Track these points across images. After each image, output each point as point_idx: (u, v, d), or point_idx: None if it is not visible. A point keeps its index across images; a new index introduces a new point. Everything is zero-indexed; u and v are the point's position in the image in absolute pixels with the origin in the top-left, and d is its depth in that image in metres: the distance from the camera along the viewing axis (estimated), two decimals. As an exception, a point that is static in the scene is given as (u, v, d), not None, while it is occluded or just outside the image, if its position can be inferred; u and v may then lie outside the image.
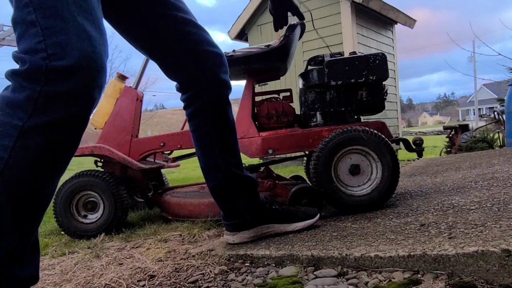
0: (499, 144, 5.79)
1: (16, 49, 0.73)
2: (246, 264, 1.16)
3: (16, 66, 0.72)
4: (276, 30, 1.55)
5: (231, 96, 1.27)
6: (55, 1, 0.70)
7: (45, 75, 0.68)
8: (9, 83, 0.73)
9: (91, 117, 1.18)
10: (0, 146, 0.69)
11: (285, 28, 1.67)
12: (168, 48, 1.12)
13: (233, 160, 1.26)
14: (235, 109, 1.66)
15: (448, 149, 6.48)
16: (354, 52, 1.78)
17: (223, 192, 1.28)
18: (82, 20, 0.72)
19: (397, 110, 6.61)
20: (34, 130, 0.69)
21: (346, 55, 1.74)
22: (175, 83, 1.20)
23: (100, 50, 0.74)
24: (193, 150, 2.22)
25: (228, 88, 1.22)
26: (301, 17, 1.56)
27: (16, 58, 0.71)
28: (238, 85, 1.96)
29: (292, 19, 1.64)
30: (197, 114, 1.20)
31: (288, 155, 2.05)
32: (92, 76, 0.72)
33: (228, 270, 1.13)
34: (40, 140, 0.70)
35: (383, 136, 1.52)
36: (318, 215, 1.39)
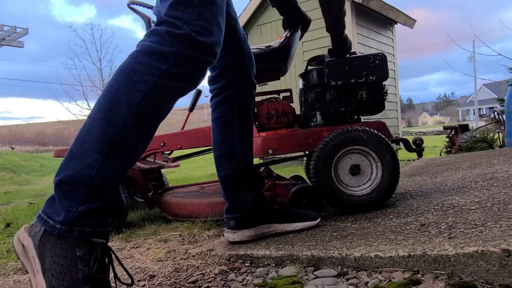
0: (499, 144, 5.80)
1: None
2: (246, 264, 1.16)
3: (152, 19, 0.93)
4: (285, 29, 1.67)
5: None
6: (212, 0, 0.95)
7: (191, 43, 0.89)
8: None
9: None
10: (143, 80, 0.85)
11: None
12: (224, 39, 1.24)
13: (249, 153, 1.34)
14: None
15: (448, 149, 6.49)
16: (354, 52, 1.78)
17: (234, 182, 1.31)
18: (220, 18, 0.98)
19: (397, 110, 6.61)
20: (171, 76, 0.88)
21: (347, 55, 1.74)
22: (210, 74, 1.32)
23: (221, 39, 0.99)
24: (193, 150, 2.22)
25: (255, 89, 1.38)
26: (305, 28, 1.70)
27: (164, 20, 0.90)
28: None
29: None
30: (224, 102, 1.30)
31: (288, 155, 2.05)
32: (214, 55, 0.95)
33: (228, 270, 1.13)
34: (171, 84, 0.89)
35: (383, 136, 1.52)
36: (319, 218, 1.39)
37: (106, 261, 0.84)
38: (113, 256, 0.86)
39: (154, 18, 0.99)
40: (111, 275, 0.87)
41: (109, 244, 1.60)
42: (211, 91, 1.34)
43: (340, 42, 1.68)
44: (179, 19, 0.89)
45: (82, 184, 0.81)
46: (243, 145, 1.31)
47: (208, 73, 1.32)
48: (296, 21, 1.74)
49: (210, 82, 1.33)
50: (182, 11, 0.90)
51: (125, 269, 0.89)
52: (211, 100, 1.34)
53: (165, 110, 0.91)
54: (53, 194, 0.84)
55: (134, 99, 0.85)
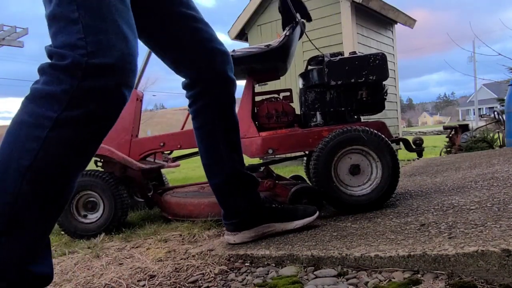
0: (499, 144, 5.80)
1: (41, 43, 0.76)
2: (246, 264, 1.16)
3: (46, 60, 0.75)
4: (284, 28, 1.58)
5: (231, 96, 1.27)
6: (98, 2, 0.74)
7: (83, 71, 0.71)
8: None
9: None
10: (32, 136, 0.71)
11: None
12: (180, 45, 1.14)
13: (237, 157, 1.27)
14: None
15: (448, 149, 6.48)
16: (354, 52, 1.78)
17: (225, 190, 1.28)
18: (121, 22, 0.76)
19: (397, 110, 6.61)
20: (67, 123, 0.71)
21: (346, 55, 1.74)
22: (182, 80, 1.22)
23: (134, 52, 0.78)
24: (193, 150, 2.22)
25: (234, 85, 1.24)
26: (308, 18, 1.58)
27: (52, 52, 0.73)
28: (238, 85, 1.96)
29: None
30: (203, 110, 1.22)
31: (288, 155, 2.05)
32: (127, 76, 0.76)
33: (228, 270, 1.13)
34: (71, 133, 0.72)
35: (383, 136, 1.52)
36: (317, 212, 1.39)
37: None
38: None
39: None
40: None
41: (110, 244, 1.60)
42: (187, 97, 1.24)
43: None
44: (65, 46, 0.72)
45: None
46: (230, 152, 1.24)
47: (182, 79, 1.23)
48: (296, 11, 1.61)
49: (185, 88, 1.23)
50: (65, 35, 0.72)
51: None
52: (189, 106, 1.24)
53: (75, 163, 0.75)
54: None
55: (25, 162, 0.70)
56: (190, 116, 1.27)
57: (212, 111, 1.21)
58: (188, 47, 1.13)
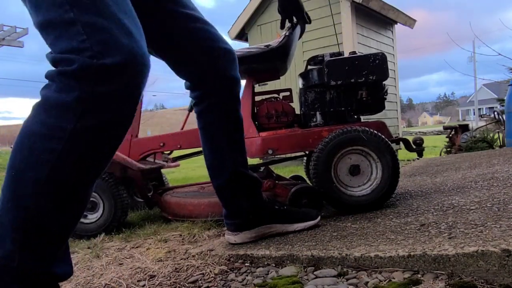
0: (499, 144, 5.80)
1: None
2: (246, 264, 1.16)
3: (50, 67, 0.70)
4: (283, 28, 1.57)
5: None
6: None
7: (95, 74, 0.65)
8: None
9: None
10: (48, 149, 0.67)
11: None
12: (181, 46, 1.11)
13: (241, 158, 1.26)
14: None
15: (448, 149, 6.48)
16: (354, 52, 1.78)
17: (228, 191, 1.27)
18: (121, 15, 0.70)
19: (397, 110, 6.61)
20: (84, 132, 0.67)
21: (346, 55, 1.74)
22: (184, 81, 1.20)
23: (142, 45, 0.72)
24: (193, 150, 2.22)
25: (239, 85, 1.22)
26: (307, 20, 1.58)
27: (56, 59, 0.69)
28: (238, 85, 1.95)
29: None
30: (207, 110, 1.20)
31: (288, 155, 2.05)
32: (141, 72, 0.70)
33: (228, 270, 1.13)
34: (88, 142, 0.69)
35: (383, 136, 1.52)
36: (319, 217, 1.39)
37: None
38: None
39: None
40: None
41: (110, 244, 1.60)
42: (192, 98, 1.22)
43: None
44: (70, 51, 0.66)
45: (5, 271, 0.70)
46: (233, 153, 1.23)
47: (184, 81, 1.21)
48: (292, 11, 1.55)
49: (188, 89, 1.22)
50: (66, 39, 0.67)
51: None
52: (193, 106, 1.23)
53: (92, 171, 0.73)
54: None
55: (40, 175, 0.67)
56: (195, 116, 1.26)
57: (216, 112, 1.19)
58: (189, 47, 1.10)
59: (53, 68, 0.69)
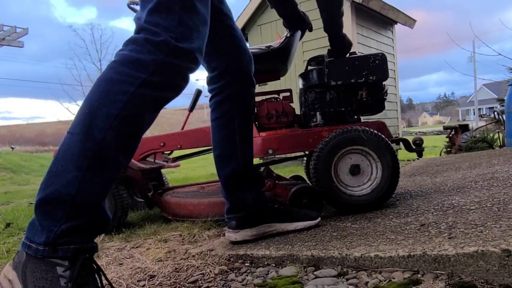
0: (499, 144, 5.80)
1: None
2: (246, 264, 1.16)
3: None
4: (286, 27, 1.66)
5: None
6: (194, 6, 0.92)
7: (170, 49, 0.86)
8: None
9: None
10: (122, 91, 0.83)
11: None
12: (220, 40, 1.25)
13: (250, 152, 1.34)
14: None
15: (448, 149, 6.49)
16: (354, 52, 1.78)
17: (234, 183, 1.31)
18: (201, 25, 0.94)
19: (397, 110, 6.61)
20: (151, 84, 0.85)
21: (346, 55, 1.74)
22: (209, 74, 1.31)
23: (203, 46, 0.96)
24: (193, 150, 2.22)
25: (254, 87, 1.36)
26: (310, 28, 1.71)
27: (144, 27, 0.87)
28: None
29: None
30: (225, 101, 1.29)
31: (288, 155, 2.05)
32: (195, 62, 0.92)
33: (228, 270, 1.13)
34: (151, 93, 0.86)
35: (383, 136, 1.52)
36: (320, 218, 1.39)
37: (92, 274, 0.82)
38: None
39: None
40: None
41: (110, 244, 1.60)
42: (210, 91, 1.33)
43: (338, 42, 1.68)
44: (158, 26, 0.87)
45: (63, 202, 0.79)
46: (243, 145, 1.31)
47: (207, 74, 1.32)
48: (294, 23, 1.73)
49: (210, 82, 1.32)
50: (161, 18, 0.88)
51: (109, 282, 0.89)
52: (210, 99, 1.33)
53: (147, 120, 0.89)
54: (33, 217, 0.83)
55: (114, 111, 0.82)
56: (210, 109, 1.33)
57: (232, 104, 1.29)
58: (224, 41, 1.24)
59: (139, 35, 0.87)
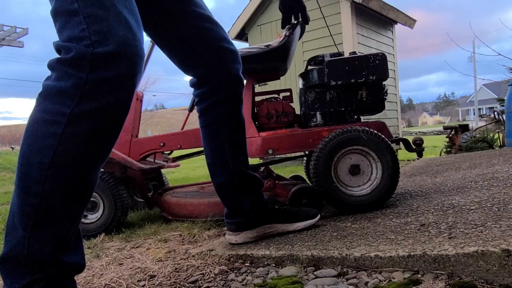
0: (499, 144, 5.80)
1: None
2: (246, 264, 1.16)
3: (56, 55, 0.75)
4: (283, 27, 1.57)
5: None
6: None
7: (90, 62, 0.70)
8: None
9: None
10: (50, 134, 0.72)
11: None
12: (190, 43, 1.13)
13: (242, 157, 1.26)
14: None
15: (448, 149, 6.48)
16: (354, 52, 1.77)
17: (229, 190, 1.27)
18: (122, 8, 0.75)
19: (397, 110, 6.60)
20: (82, 116, 0.72)
21: (346, 55, 1.74)
22: (190, 78, 1.22)
23: (139, 37, 0.77)
24: (193, 150, 2.22)
25: (242, 85, 1.24)
26: (306, 19, 1.57)
27: (59, 47, 0.74)
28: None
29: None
30: (210, 109, 1.21)
31: (288, 155, 2.05)
32: (134, 62, 0.74)
33: (228, 270, 1.13)
34: (87, 126, 0.72)
35: (383, 136, 1.52)
36: (319, 215, 1.39)
37: None
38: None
39: None
40: None
41: (110, 244, 1.60)
42: (195, 96, 1.23)
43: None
44: (71, 40, 0.72)
45: (19, 261, 0.74)
46: (234, 153, 1.23)
47: (189, 77, 1.23)
48: (296, 10, 1.58)
49: (193, 87, 1.23)
50: (69, 28, 0.72)
51: None
52: (196, 105, 1.25)
53: (98, 155, 0.77)
54: None
55: (45, 159, 0.71)
56: (195, 116, 1.27)
57: (219, 111, 1.20)
58: (197, 46, 1.13)
59: (52, 58, 0.73)
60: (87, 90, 0.71)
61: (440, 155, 6.17)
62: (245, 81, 1.83)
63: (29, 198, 0.72)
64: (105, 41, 0.71)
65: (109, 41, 0.71)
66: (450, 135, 6.56)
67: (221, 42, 1.16)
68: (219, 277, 1.10)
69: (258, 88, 1.97)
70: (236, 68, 1.20)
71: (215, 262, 1.20)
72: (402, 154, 6.20)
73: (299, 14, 1.50)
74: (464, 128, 6.55)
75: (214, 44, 1.14)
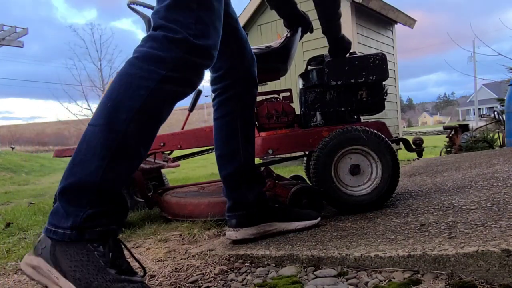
0: (499, 144, 5.80)
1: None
2: (246, 264, 1.16)
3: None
4: (286, 27, 1.67)
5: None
6: (211, 4, 0.96)
7: (189, 47, 0.90)
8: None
9: None
10: (143, 86, 0.88)
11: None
12: (224, 39, 1.25)
13: (251, 151, 1.36)
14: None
15: (448, 149, 6.49)
16: (354, 52, 1.78)
17: (236, 181, 1.32)
18: (217, 21, 0.99)
19: (397, 110, 6.61)
20: (170, 80, 0.90)
21: (346, 55, 1.74)
22: (212, 74, 1.33)
23: (218, 43, 1.00)
24: (193, 150, 2.22)
25: (257, 87, 1.39)
26: (311, 30, 1.71)
27: (161, 24, 0.91)
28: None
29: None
30: (228, 101, 1.32)
31: (288, 155, 2.04)
32: (211, 58, 0.97)
33: (228, 270, 1.13)
34: (170, 88, 0.91)
35: (383, 136, 1.52)
36: (320, 217, 1.39)
37: (119, 251, 0.87)
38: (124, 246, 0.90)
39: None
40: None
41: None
42: (214, 90, 1.35)
43: (337, 44, 1.68)
44: (176, 23, 0.90)
45: (88, 190, 0.84)
46: (245, 144, 1.32)
47: (211, 74, 1.34)
48: (295, 23, 1.74)
49: (214, 82, 1.34)
50: (179, 15, 0.91)
51: (137, 260, 0.92)
52: (213, 99, 1.35)
53: (165, 113, 0.93)
54: (54, 206, 0.87)
55: (135, 105, 0.87)
56: (210, 109, 1.33)
57: (235, 104, 1.31)
58: (230, 42, 1.26)
59: (157, 32, 0.91)
60: (180, 64, 0.90)
61: (440, 155, 6.18)
62: None
63: (112, 135, 0.85)
64: (202, 37, 0.93)
65: (205, 38, 0.93)
66: (450, 135, 6.57)
67: (246, 44, 1.33)
68: (219, 277, 1.10)
69: (258, 88, 1.97)
70: (255, 70, 1.36)
71: (215, 262, 1.20)
72: (402, 154, 6.21)
73: (305, 29, 1.72)
74: (464, 128, 6.56)
75: (243, 45, 1.31)
